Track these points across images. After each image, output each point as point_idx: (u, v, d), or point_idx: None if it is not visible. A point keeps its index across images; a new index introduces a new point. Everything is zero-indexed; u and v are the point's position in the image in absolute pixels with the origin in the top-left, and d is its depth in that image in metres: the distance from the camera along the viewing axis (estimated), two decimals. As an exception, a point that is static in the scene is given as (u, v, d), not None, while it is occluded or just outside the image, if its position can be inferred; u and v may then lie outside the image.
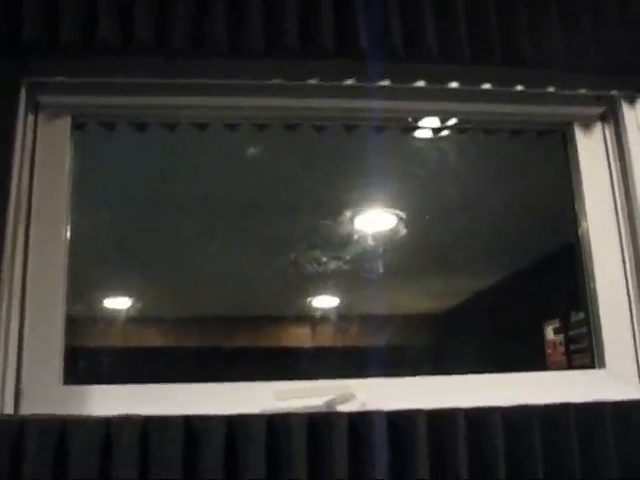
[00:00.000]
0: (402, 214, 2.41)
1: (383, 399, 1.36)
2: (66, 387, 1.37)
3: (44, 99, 1.47)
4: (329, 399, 1.34)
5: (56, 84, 1.46)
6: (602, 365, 1.51)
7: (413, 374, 1.57)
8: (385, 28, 1.44)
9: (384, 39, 1.43)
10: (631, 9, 1.56)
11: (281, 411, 1.27)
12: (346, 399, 1.35)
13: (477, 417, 1.29)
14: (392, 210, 2.40)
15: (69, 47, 1.37)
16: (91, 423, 1.21)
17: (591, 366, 1.55)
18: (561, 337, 3.36)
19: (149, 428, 1.21)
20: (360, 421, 1.26)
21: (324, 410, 1.31)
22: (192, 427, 1.22)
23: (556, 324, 3.36)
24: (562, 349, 3.37)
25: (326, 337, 1.81)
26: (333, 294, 2.55)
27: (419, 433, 1.26)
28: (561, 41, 1.50)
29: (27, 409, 1.32)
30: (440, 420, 1.28)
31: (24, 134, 1.43)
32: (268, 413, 1.26)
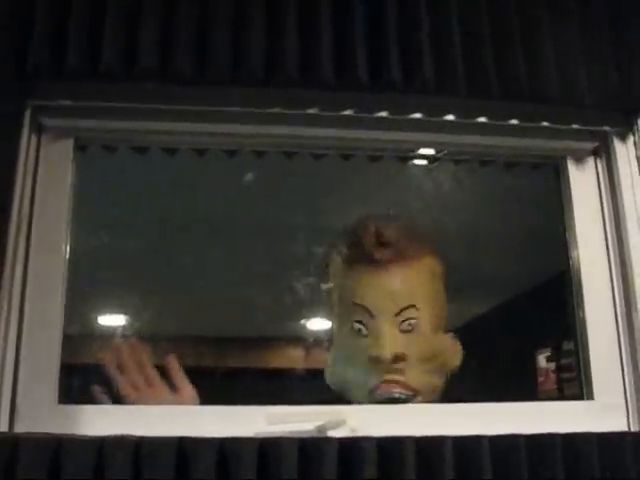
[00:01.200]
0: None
1: (373, 425, 1.37)
2: (61, 406, 1.38)
3: (47, 121, 1.49)
4: (320, 424, 1.35)
5: (60, 107, 1.49)
6: (590, 396, 1.52)
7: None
8: (384, 61, 1.47)
9: (383, 71, 1.46)
10: (625, 46, 1.59)
11: (273, 435, 1.28)
12: (337, 424, 1.36)
13: (465, 445, 1.30)
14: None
15: (74, 72, 1.40)
16: (85, 442, 1.22)
17: (580, 396, 1.56)
18: (553, 365, 3.38)
19: (142, 449, 1.22)
20: (350, 447, 1.27)
21: (315, 435, 1.33)
22: (185, 449, 1.23)
23: (548, 352, 3.38)
24: (554, 377, 3.39)
25: (319, 359, 1.82)
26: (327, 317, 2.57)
27: (408, 460, 1.27)
28: (555, 77, 1.53)
29: (21, 427, 1.33)
30: (429, 447, 1.29)
31: (27, 155, 1.45)
32: (260, 437, 1.27)
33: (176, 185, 2.31)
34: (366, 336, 1.44)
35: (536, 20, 1.56)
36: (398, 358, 1.41)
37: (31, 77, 1.40)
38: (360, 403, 1.48)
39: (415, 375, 1.41)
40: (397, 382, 1.41)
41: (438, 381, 1.48)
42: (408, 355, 1.41)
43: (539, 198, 1.92)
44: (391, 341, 1.40)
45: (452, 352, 1.51)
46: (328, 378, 1.53)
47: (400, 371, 1.41)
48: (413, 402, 1.42)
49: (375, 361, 1.41)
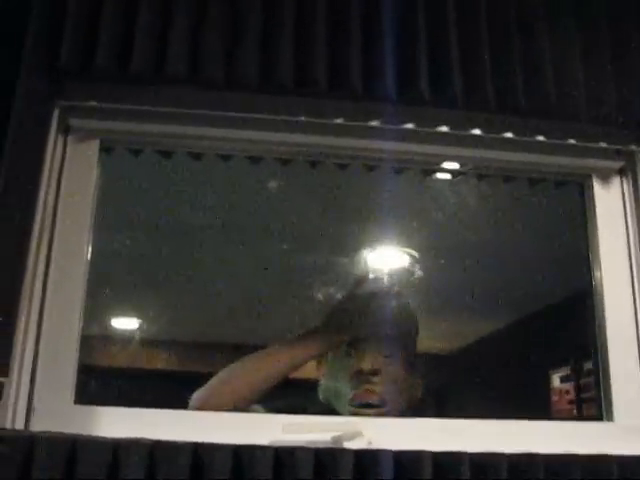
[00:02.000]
0: (416, 254, 2.42)
1: (389, 438, 1.36)
2: (77, 406, 1.38)
3: (75, 122, 1.50)
4: (336, 435, 1.34)
5: (88, 108, 1.49)
6: (610, 418, 1.51)
7: (415, 412, 1.62)
8: (412, 72, 1.47)
9: (410, 83, 1.46)
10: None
11: (288, 444, 1.28)
12: (353, 436, 1.35)
13: (482, 462, 1.29)
14: (406, 249, 2.42)
15: (104, 74, 1.41)
16: (100, 444, 1.22)
17: (599, 418, 1.55)
18: (567, 385, 3.35)
19: (157, 453, 1.22)
20: (366, 459, 1.26)
21: (331, 446, 1.32)
22: (200, 454, 1.22)
23: (563, 372, 3.36)
24: (568, 397, 3.36)
25: (307, 369, 1.82)
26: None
27: (424, 474, 1.26)
28: (584, 94, 1.52)
29: (37, 426, 1.33)
30: (445, 462, 1.28)
31: (53, 154, 1.46)
32: (275, 445, 1.26)
33: (199, 190, 2.31)
34: (354, 357, 1.66)
35: (566, 39, 1.56)
36: (375, 372, 1.61)
37: (61, 78, 1.41)
38: (343, 413, 1.61)
39: (386, 390, 1.61)
40: (372, 392, 1.60)
41: (404, 399, 1.67)
42: (383, 372, 1.62)
43: (563, 216, 1.91)
44: (372, 358, 1.63)
45: (416, 385, 1.72)
46: (320, 394, 1.71)
47: (375, 384, 1.61)
48: (381, 410, 1.58)
49: (357, 373, 1.62)
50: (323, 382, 1.71)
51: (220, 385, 1.60)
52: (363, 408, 1.58)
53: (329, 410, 1.64)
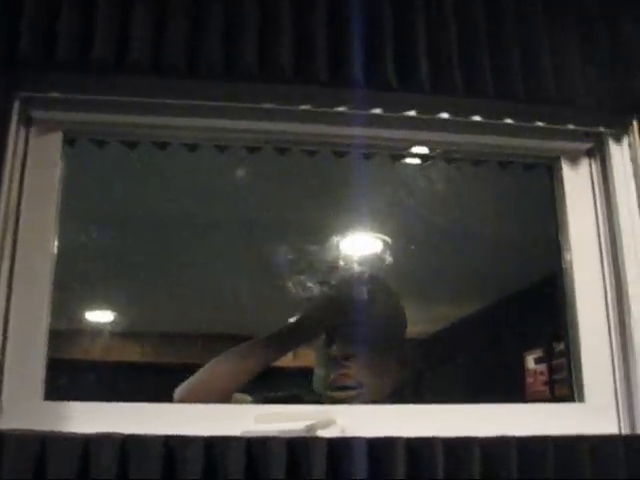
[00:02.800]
0: (388, 239, 2.42)
1: (363, 425, 1.36)
2: (47, 403, 1.36)
3: (37, 114, 1.47)
4: (309, 424, 1.34)
5: (49, 99, 1.46)
6: (581, 399, 1.52)
7: (396, 395, 1.66)
8: (379, 58, 1.46)
9: (377, 68, 1.45)
10: (620, 47, 1.58)
11: (261, 434, 1.27)
12: (327, 424, 1.35)
13: (455, 446, 1.29)
14: (378, 235, 2.42)
15: (64, 64, 1.38)
16: (70, 440, 1.21)
17: (571, 398, 1.56)
18: (542, 367, 3.38)
19: (128, 447, 1.21)
20: (340, 446, 1.26)
21: (304, 435, 1.31)
22: (172, 447, 1.22)
23: (537, 354, 3.38)
24: (543, 379, 3.39)
25: (307, 358, 1.85)
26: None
27: (398, 460, 1.26)
28: (551, 77, 1.52)
29: (6, 424, 1.30)
30: (419, 448, 1.28)
31: (15, 147, 1.43)
32: (248, 436, 1.26)
33: (166, 181, 2.29)
34: (332, 344, 1.71)
35: (533, 21, 1.55)
36: (347, 356, 1.67)
37: (20, 68, 1.38)
38: (323, 396, 1.68)
39: (362, 373, 1.66)
40: (347, 375, 1.66)
41: (385, 382, 1.72)
42: (357, 356, 1.67)
43: (532, 199, 1.91)
44: (345, 344, 1.68)
45: (399, 367, 1.77)
46: (313, 383, 1.74)
47: (349, 367, 1.66)
48: (359, 392, 1.64)
49: (332, 358, 1.68)
50: (315, 373, 1.77)
51: (203, 379, 1.67)
52: (339, 391, 1.65)
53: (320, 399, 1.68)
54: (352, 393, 1.64)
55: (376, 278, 1.93)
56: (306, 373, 1.76)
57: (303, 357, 1.79)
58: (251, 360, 1.69)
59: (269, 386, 1.66)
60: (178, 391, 1.64)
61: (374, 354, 1.69)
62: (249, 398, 1.68)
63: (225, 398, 1.60)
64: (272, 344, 1.72)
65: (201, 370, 1.68)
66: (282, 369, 1.94)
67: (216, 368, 1.69)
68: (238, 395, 1.66)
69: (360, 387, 1.65)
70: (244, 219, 2.54)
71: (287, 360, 1.82)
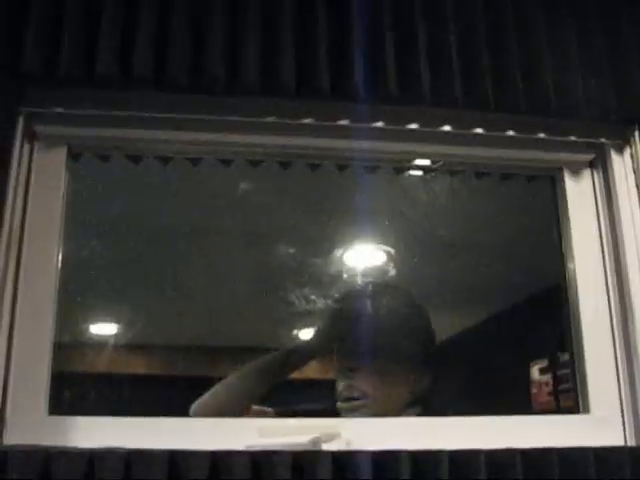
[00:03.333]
0: (392, 251, 2.42)
1: (368, 439, 1.36)
2: (51, 417, 1.36)
3: (41, 129, 1.48)
4: (314, 437, 1.34)
5: (53, 114, 1.47)
6: (586, 410, 1.51)
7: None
8: (380, 71, 1.46)
9: (379, 81, 1.46)
10: (621, 59, 1.59)
11: (265, 448, 1.27)
12: (331, 437, 1.34)
13: (461, 459, 1.29)
14: (381, 246, 2.42)
15: (68, 79, 1.39)
16: (74, 455, 1.21)
17: (576, 410, 1.55)
18: (547, 377, 3.36)
19: (132, 462, 1.21)
20: (344, 460, 1.26)
21: (309, 448, 1.31)
22: (176, 462, 1.22)
23: (542, 364, 3.37)
24: (548, 389, 3.37)
25: (311, 370, 1.87)
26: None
27: (403, 474, 1.26)
28: (552, 89, 1.53)
29: (11, 439, 1.31)
30: (424, 461, 1.28)
31: (19, 163, 1.44)
32: (252, 450, 1.25)
33: (170, 194, 2.30)
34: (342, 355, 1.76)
35: (534, 33, 1.56)
36: (352, 369, 1.71)
37: (24, 83, 1.39)
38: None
39: (367, 384, 1.69)
40: (352, 386, 1.70)
41: (397, 393, 1.73)
42: (363, 369, 1.71)
43: (536, 210, 1.91)
44: (352, 357, 1.73)
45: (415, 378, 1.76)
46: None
47: (354, 379, 1.70)
48: (364, 402, 1.67)
49: (339, 371, 1.74)
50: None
51: (219, 393, 1.74)
52: (346, 402, 1.69)
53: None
54: (357, 403, 1.67)
55: (395, 288, 1.98)
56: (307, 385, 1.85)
57: (307, 369, 1.82)
58: (268, 373, 1.76)
59: (269, 396, 1.70)
60: (194, 407, 1.69)
61: (388, 365, 1.71)
62: (270, 410, 1.72)
63: (242, 411, 1.68)
64: (290, 357, 1.79)
65: (217, 385, 1.74)
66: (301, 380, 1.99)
67: (232, 382, 1.76)
68: (257, 408, 1.72)
69: (365, 397, 1.67)
70: (248, 232, 2.54)
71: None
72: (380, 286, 2.04)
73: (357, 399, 1.67)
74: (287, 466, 1.23)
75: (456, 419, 1.46)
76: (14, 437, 1.31)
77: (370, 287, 2.01)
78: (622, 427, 1.49)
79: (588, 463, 1.31)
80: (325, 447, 1.32)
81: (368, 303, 1.80)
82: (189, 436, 1.35)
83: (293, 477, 1.23)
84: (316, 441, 1.33)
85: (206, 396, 1.72)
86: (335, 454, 1.26)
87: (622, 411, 1.50)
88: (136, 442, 1.26)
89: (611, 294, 1.58)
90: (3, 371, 1.36)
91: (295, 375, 1.80)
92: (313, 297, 1.88)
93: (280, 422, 1.39)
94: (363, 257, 2.43)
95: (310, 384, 2.05)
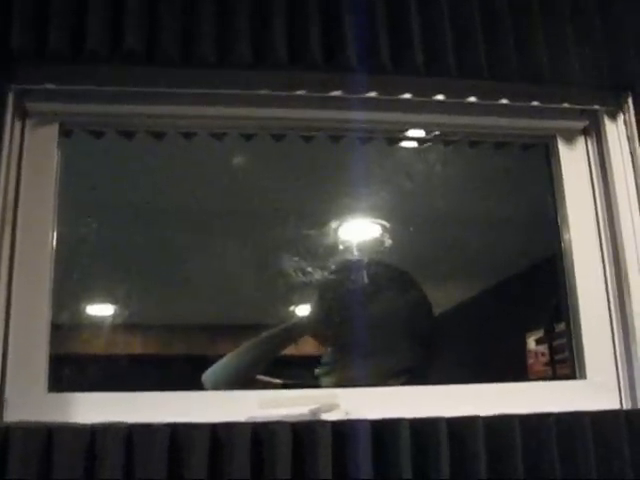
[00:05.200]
0: (386, 224, 2.42)
1: (367, 408, 1.37)
2: (51, 395, 1.37)
3: (32, 106, 1.47)
4: (314, 408, 1.34)
5: (44, 91, 1.46)
6: (583, 376, 1.52)
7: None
8: (373, 41, 1.45)
9: (371, 52, 1.45)
10: (614, 25, 1.58)
11: (265, 419, 1.28)
12: (330, 408, 1.35)
13: (459, 426, 1.30)
14: (377, 220, 2.42)
15: (58, 55, 1.37)
16: (75, 431, 1.21)
17: (572, 377, 1.57)
18: (543, 347, 3.39)
19: (134, 436, 1.22)
20: (344, 429, 1.27)
21: (308, 419, 1.32)
22: (177, 435, 1.22)
23: (538, 335, 3.39)
24: (544, 359, 3.40)
25: (309, 345, 1.87)
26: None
27: (402, 442, 1.27)
28: (545, 56, 1.52)
29: (12, 417, 1.31)
30: (423, 429, 1.29)
31: (11, 141, 1.43)
32: (252, 421, 1.26)
33: (164, 171, 2.29)
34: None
35: (527, 1, 1.55)
36: (336, 337, 1.75)
37: (13, 60, 1.38)
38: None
39: (343, 353, 1.74)
40: (329, 353, 1.75)
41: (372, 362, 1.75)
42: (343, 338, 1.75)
43: (530, 179, 1.91)
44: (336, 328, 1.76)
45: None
46: None
47: (335, 346, 1.75)
48: (332, 367, 1.74)
49: (328, 340, 1.79)
50: None
51: (230, 364, 1.83)
52: (319, 367, 1.75)
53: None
54: (323, 369, 1.74)
55: (381, 264, 1.97)
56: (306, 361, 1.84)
57: (304, 344, 1.86)
58: (267, 348, 1.84)
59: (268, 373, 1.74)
60: (204, 377, 1.78)
61: (371, 337, 1.71)
62: (278, 381, 1.77)
63: (249, 381, 1.77)
64: (283, 334, 1.87)
65: (226, 356, 1.83)
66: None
67: (240, 353, 1.84)
68: (264, 378, 1.80)
69: (334, 363, 1.73)
70: (242, 207, 2.54)
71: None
72: (373, 261, 2.04)
73: (326, 364, 1.73)
74: (287, 436, 1.24)
75: (454, 387, 1.47)
76: (15, 414, 1.31)
77: (364, 261, 2.04)
78: (618, 391, 1.50)
79: (585, 427, 1.33)
80: (324, 417, 1.33)
81: (359, 276, 1.82)
82: (189, 409, 1.35)
83: (293, 447, 1.24)
84: (316, 411, 1.34)
85: (218, 366, 1.81)
86: (335, 424, 1.27)
87: (618, 376, 1.51)
88: (136, 417, 1.26)
89: (606, 262, 1.58)
90: (1, 350, 1.35)
91: (304, 351, 1.89)
92: (309, 269, 1.88)
93: (280, 393, 1.39)
94: (358, 230, 2.43)
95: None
